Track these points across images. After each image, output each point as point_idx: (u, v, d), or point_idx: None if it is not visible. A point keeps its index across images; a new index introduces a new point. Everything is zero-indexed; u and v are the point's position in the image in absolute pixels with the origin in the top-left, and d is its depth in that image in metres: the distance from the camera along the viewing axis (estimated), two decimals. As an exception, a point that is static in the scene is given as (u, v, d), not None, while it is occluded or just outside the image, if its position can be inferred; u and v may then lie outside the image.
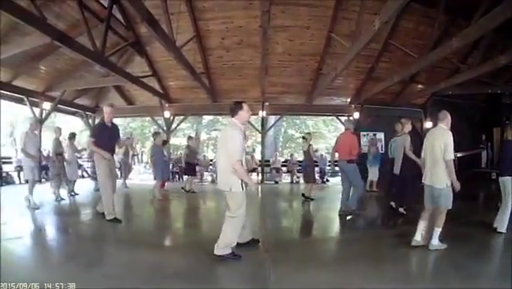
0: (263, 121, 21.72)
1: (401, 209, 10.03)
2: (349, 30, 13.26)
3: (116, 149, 10.18)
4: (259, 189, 18.56)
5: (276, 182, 20.96)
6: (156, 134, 14.58)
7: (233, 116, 6.22)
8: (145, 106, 22.77)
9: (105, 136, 9.14)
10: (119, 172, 18.14)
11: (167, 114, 22.16)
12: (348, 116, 11.35)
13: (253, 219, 10.54)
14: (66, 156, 13.41)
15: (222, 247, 6.06)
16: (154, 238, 8.13)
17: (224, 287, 5.43)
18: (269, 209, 12.49)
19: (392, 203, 10.43)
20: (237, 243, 6.38)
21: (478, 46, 14.32)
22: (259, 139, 23.99)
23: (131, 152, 18.46)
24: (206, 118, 36.07)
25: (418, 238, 6.76)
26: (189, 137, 17.10)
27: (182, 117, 23.69)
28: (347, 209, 10.11)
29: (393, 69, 16.05)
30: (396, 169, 10.12)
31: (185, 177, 16.86)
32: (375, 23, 9.22)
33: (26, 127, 11.55)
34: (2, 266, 5.42)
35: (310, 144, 13.10)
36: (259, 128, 22.08)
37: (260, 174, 22.01)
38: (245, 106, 6.24)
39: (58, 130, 13.36)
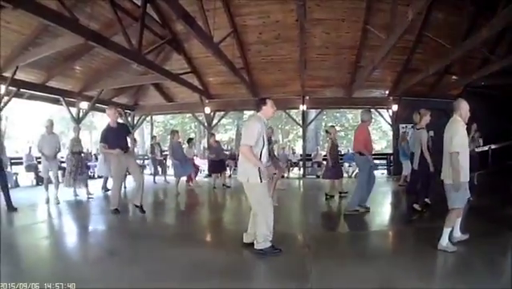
0: (304, 115, 21.74)
1: (416, 206, 9.81)
2: (384, 22, 13.24)
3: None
4: (301, 182, 18.73)
5: (317, 176, 20.82)
6: (173, 132, 14.89)
7: (258, 111, 6.37)
8: (186, 103, 23.12)
9: (113, 138, 9.66)
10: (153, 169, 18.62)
11: (207, 110, 22.41)
12: (367, 109, 11.08)
13: (295, 213, 10.84)
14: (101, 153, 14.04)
15: (261, 241, 6.18)
16: (191, 233, 8.27)
17: (266, 282, 5.49)
18: (310, 204, 12.65)
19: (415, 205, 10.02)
20: (244, 243, 6.63)
21: (505, 37, 14.21)
22: (301, 133, 24.16)
23: (157, 150, 18.92)
24: (247, 113, 35.66)
25: (456, 234, 6.61)
26: (211, 134, 17.47)
27: (223, 113, 24.13)
28: (361, 207, 9.92)
29: (428, 60, 15.85)
30: (415, 164, 9.98)
31: (226, 174, 17.01)
32: (409, 14, 9.25)
33: (43, 129, 12.02)
34: (38, 266, 5.85)
35: (330, 138, 13.01)
36: (300, 122, 22.12)
37: (302, 168, 22.16)
38: (269, 102, 6.41)
39: (77, 129, 13.89)
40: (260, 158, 6.15)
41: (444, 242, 6.24)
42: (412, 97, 19.24)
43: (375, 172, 18.94)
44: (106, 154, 10.23)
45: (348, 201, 10.31)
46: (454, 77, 18.13)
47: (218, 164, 16.36)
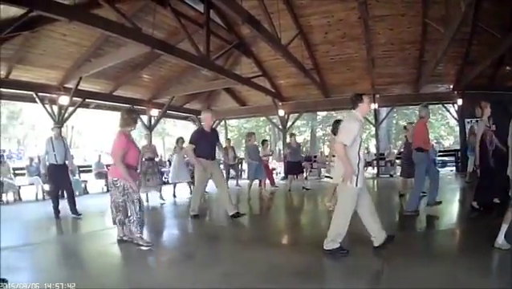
0: (376, 114, 21.85)
1: (474, 204, 9.42)
2: (440, 15, 13.13)
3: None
4: (375, 182, 18.77)
5: (391, 175, 20.93)
6: (248, 135, 14.98)
7: (353, 109, 6.31)
8: (259, 106, 23.61)
9: (204, 142, 9.62)
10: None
11: (281, 112, 22.74)
12: (424, 104, 10.72)
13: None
14: (174, 159, 14.68)
15: (330, 241, 6.17)
16: (266, 236, 8.35)
17: (339, 283, 5.41)
18: (383, 203, 12.33)
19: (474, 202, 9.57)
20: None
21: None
22: (373, 132, 24.19)
23: (231, 154, 18.72)
24: (320, 114, 36.36)
25: (499, 240, 6.16)
26: (291, 134, 17.14)
27: (297, 115, 24.28)
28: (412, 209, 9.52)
29: (484, 52, 15.59)
30: (476, 160, 9.66)
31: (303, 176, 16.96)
32: (462, 5, 9.37)
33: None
34: (108, 269, 6.10)
35: (405, 136, 12.89)
36: (372, 121, 22.22)
37: (376, 168, 22.27)
38: (365, 98, 6.29)
39: (148, 136, 14.44)
40: (358, 160, 6.10)
41: (500, 239, 6.10)
42: (474, 90, 18.65)
43: (443, 169, 18.50)
44: (192, 160, 10.03)
45: (406, 201, 10.12)
46: (508, 67, 17.74)
47: (295, 166, 16.08)
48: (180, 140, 14.95)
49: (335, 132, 9.43)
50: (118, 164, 6.82)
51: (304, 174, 17.66)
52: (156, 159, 14.35)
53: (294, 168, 16.09)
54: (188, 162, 14.32)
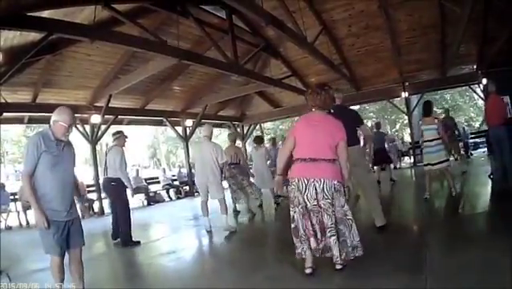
0: (407, 102, 21.87)
1: None
2: None
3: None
4: (414, 171, 18.80)
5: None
6: None
7: None
8: (293, 106, 23.34)
9: None
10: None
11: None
12: (490, 80, 10.33)
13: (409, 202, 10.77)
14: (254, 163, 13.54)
15: None
16: None
17: (382, 276, 4.79)
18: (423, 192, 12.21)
19: None
20: None
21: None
22: (406, 121, 24.09)
23: None
24: (353, 108, 35.46)
25: None
26: (376, 124, 16.60)
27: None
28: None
29: (499, 29, 15.00)
30: None
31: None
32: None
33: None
34: (158, 281, 6.17)
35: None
36: (404, 110, 22.35)
37: (412, 157, 22.08)
38: None
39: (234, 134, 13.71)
40: None
41: None
42: (498, 68, 17.41)
43: (476, 151, 18.10)
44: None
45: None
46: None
47: (381, 155, 14.80)
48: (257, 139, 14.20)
49: (427, 113, 9.54)
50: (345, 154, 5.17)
51: (392, 164, 17.21)
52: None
53: (379, 157, 14.75)
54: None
